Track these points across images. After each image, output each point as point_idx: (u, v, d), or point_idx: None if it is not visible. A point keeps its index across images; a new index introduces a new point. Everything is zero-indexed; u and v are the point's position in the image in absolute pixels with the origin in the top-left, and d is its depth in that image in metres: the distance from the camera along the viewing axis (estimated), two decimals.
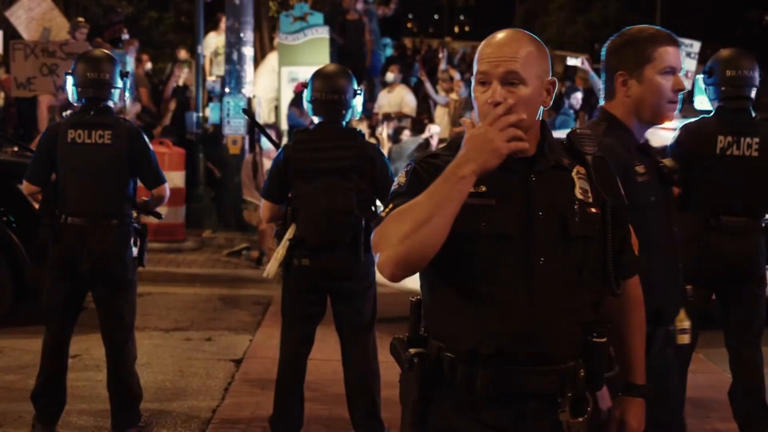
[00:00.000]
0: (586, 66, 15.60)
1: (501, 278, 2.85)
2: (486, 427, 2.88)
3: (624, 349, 3.19)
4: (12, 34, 14.50)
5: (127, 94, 6.30)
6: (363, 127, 13.10)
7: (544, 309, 2.85)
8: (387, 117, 15.03)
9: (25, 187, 6.07)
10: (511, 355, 2.83)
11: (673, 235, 3.83)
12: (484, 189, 2.85)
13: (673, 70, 3.74)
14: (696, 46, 14.65)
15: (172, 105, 15.30)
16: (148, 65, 16.68)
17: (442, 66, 16.49)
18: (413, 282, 8.89)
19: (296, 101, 13.79)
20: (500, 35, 2.95)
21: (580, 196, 2.93)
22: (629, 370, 3.19)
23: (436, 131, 14.10)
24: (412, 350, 2.98)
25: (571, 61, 15.90)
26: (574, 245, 2.89)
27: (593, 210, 2.94)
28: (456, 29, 66.03)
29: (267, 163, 11.68)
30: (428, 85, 15.65)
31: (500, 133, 2.76)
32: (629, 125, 3.78)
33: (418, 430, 2.99)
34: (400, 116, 15.22)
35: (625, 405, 3.17)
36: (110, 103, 6.03)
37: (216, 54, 16.64)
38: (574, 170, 2.96)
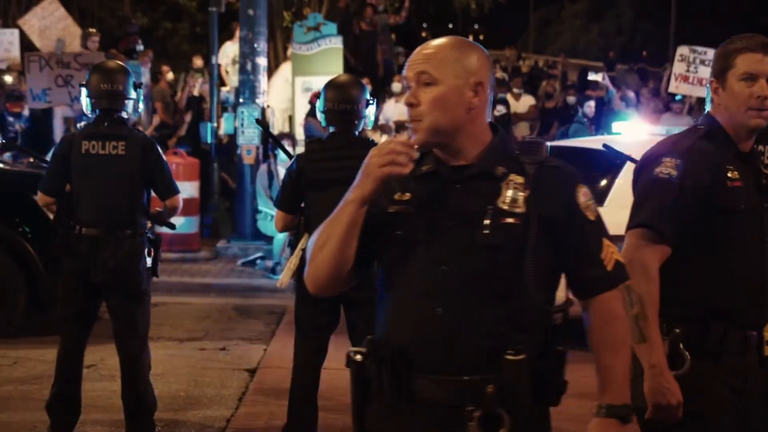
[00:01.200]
0: (606, 81, 15.66)
1: (411, 284, 2.88)
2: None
3: (597, 367, 3.06)
4: (28, 45, 14.58)
5: (141, 105, 6.33)
6: (376, 137, 13.11)
7: (447, 317, 2.84)
8: (400, 126, 15.04)
9: (39, 198, 6.10)
10: (416, 360, 2.84)
11: (763, 244, 3.70)
12: (408, 197, 2.92)
13: (752, 77, 3.64)
14: (710, 53, 14.61)
15: (188, 117, 15.34)
16: (170, 76, 16.73)
17: None
18: None
19: (314, 112, 13.83)
20: (428, 42, 3.00)
21: (502, 206, 2.85)
22: (601, 389, 3.05)
23: None
24: (353, 349, 2.97)
25: (592, 76, 15.94)
26: (481, 255, 2.84)
27: (511, 220, 2.85)
28: (470, 38, 66.10)
29: (281, 172, 11.70)
30: None
31: (377, 158, 2.82)
32: (729, 131, 3.72)
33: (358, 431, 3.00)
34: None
35: (592, 427, 3.06)
36: (124, 115, 6.06)
37: (234, 62, 16.70)
38: (508, 179, 2.89)
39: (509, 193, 2.87)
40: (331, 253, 2.89)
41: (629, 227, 3.62)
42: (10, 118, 13.32)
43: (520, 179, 2.89)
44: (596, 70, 15.92)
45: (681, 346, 3.54)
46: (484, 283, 2.84)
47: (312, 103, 13.90)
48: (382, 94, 16.40)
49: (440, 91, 2.88)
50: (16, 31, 14.56)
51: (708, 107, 6.04)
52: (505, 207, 2.85)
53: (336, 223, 2.88)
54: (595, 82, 15.18)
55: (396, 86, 15.72)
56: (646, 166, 3.71)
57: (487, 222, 2.84)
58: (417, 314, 2.87)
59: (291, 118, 15.01)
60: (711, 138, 3.68)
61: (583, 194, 2.96)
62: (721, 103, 3.74)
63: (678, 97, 15.41)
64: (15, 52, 14.52)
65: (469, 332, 2.83)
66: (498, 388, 2.81)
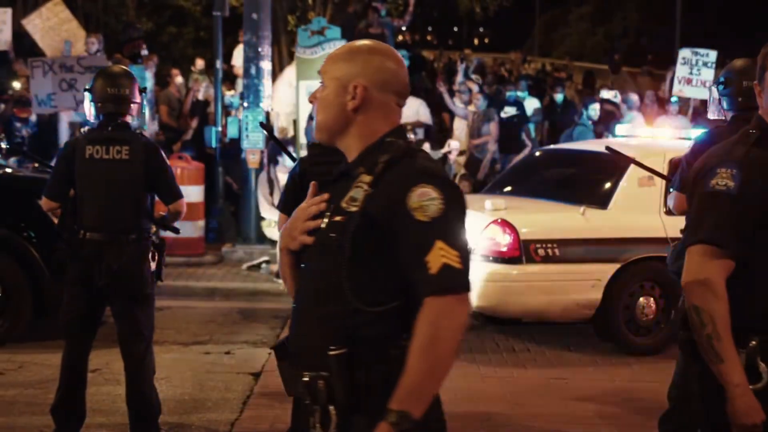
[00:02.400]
0: (618, 99, 15.65)
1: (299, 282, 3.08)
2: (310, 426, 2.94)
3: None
4: (30, 50, 14.60)
5: (146, 111, 6.35)
6: None
7: (297, 314, 3.00)
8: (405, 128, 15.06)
9: (44, 202, 6.12)
10: (294, 357, 2.97)
11: None
12: (327, 197, 3.06)
13: None
14: (712, 55, 14.64)
15: (194, 122, 15.36)
16: (179, 79, 16.75)
17: (459, 78, 16.49)
18: None
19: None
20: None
21: (342, 204, 2.91)
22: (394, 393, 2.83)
23: (455, 146, 14.12)
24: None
25: (606, 94, 15.91)
26: (318, 253, 2.94)
27: (339, 218, 2.91)
28: (476, 41, 66.08)
29: (282, 178, 11.72)
30: (447, 97, 15.66)
31: (283, 238, 3.10)
32: None
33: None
34: (418, 126, 15.23)
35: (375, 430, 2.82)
36: (128, 119, 6.08)
37: None
38: (359, 178, 2.92)
39: (352, 191, 2.92)
40: (291, 287, 3.13)
41: (690, 244, 3.46)
42: (17, 124, 13.35)
43: (368, 178, 2.91)
44: (609, 87, 15.93)
45: (758, 359, 3.39)
46: (320, 281, 2.92)
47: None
48: None
49: (325, 91, 3.02)
50: (8, 11, 14.51)
51: (710, 109, 6.07)
52: (344, 205, 2.92)
53: (283, 265, 3.12)
54: (608, 100, 15.18)
55: None
56: (700, 178, 3.53)
57: (325, 220, 2.95)
58: (294, 310, 3.03)
59: (295, 122, 14.98)
60: (764, 143, 3.58)
61: (419, 194, 2.83)
62: (762, 105, 3.66)
63: (674, 99, 15.41)
64: (7, 32, 14.49)
65: (309, 329, 2.93)
66: (327, 384, 2.86)
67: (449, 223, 2.82)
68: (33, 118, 13.50)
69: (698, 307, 3.29)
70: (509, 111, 15.54)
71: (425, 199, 2.82)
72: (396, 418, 2.75)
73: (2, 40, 14.45)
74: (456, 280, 2.79)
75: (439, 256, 2.78)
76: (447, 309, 2.77)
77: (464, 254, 2.82)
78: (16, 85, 14.33)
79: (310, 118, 14.01)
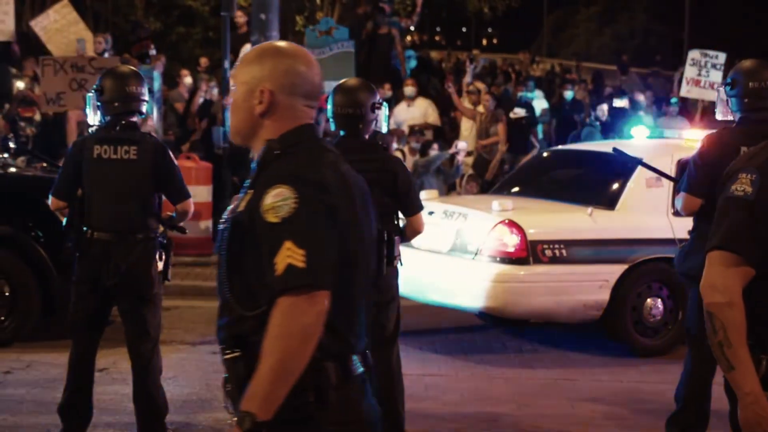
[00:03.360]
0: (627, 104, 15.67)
1: None
2: None
3: None
4: (39, 50, 14.63)
5: (154, 112, 6.36)
6: (394, 142, 13.11)
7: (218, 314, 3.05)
8: (411, 130, 15.04)
9: (51, 202, 6.13)
10: None
11: None
12: None
13: None
14: (721, 57, 14.63)
15: (204, 123, 15.37)
16: (188, 80, 16.77)
17: (468, 79, 16.49)
18: (439, 295, 8.90)
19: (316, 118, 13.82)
20: None
21: (239, 209, 2.94)
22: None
23: (462, 147, 14.11)
24: None
25: (618, 103, 15.91)
26: (220, 257, 2.99)
27: (222, 224, 2.98)
28: (484, 42, 66.04)
29: None
30: (456, 97, 15.65)
31: None
32: None
33: None
34: (426, 127, 15.22)
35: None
36: (136, 119, 6.09)
37: None
38: (249, 183, 2.97)
39: (240, 195, 2.96)
40: None
41: (707, 249, 3.45)
42: (22, 123, 13.39)
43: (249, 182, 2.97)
44: (620, 95, 15.96)
45: None
46: (225, 285, 2.96)
47: (319, 108, 13.90)
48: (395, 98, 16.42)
49: (235, 95, 3.04)
50: (11, 0, 14.54)
51: (718, 110, 6.07)
52: (228, 214, 2.98)
53: None
54: (622, 109, 15.18)
55: (408, 90, 15.72)
56: (725, 182, 3.52)
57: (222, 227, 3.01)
58: None
59: None
60: None
61: (274, 195, 2.82)
62: None
63: (673, 101, 15.42)
64: (9, 23, 14.51)
65: (218, 328, 3.01)
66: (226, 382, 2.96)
67: (301, 223, 2.79)
68: (37, 117, 13.53)
69: (711, 313, 3.29)
70: (519, 112, 15.53)
71: (279, 200, 2.81)
72: (239, 418, 2.77)
73: (5, 30, 14.45)
74: (297, 279, 2.75)
75: (285, 256, 2.76)
76: (288, 309, 2.75)
77: (314, 253, 2.77)
78: (20, 84, 14.35)
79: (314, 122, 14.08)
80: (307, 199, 2.81)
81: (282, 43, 3.11)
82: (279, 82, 2.99)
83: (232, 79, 3.06)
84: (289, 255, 2.76)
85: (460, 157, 13.79)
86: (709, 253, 3.44)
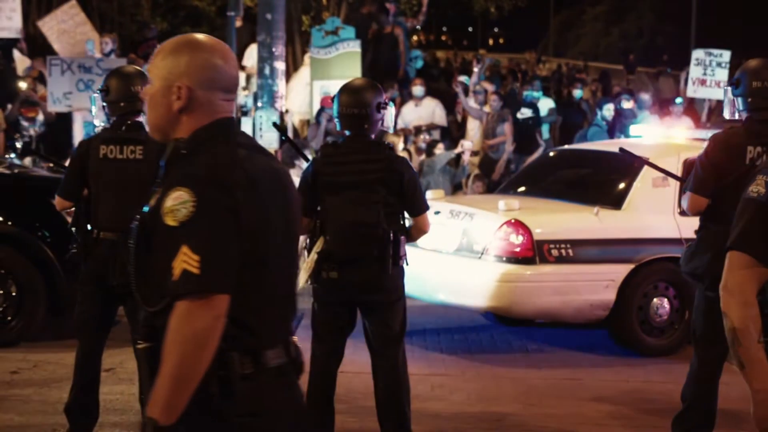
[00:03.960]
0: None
1: None
2: None
3: None
4: (44, 50, 14.66)
5: None
6: (396, 140, 13.10)
7: None
8: (418, 130, 15.03)
9: (57, 202, 6.13)
10: None
11: None
12: None
13: None
14: (726, 55, 14.62)
15: None
16: None
17: (474, 79, 16.47)
18: (445, 294, 8.89)
19: (317, 118, 13.83)
20: None
21: (147, 208, 2.99)
22: None
23: (468, 146, 14.11)
24: None
25: (626, 104, 15.88)
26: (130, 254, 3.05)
27: (136, 223, 3.00)
28: (490, 42, 66.00)
29: (295, 180, 11.72)
30: (463, 97, 15.64)
31: None
32: None
33: None
34: (432, 127, 15.21)
35: None
36: (142, 119, 6.09)
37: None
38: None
39: (156, 194, 2.97)
40: None
41: (725, 249, 3.48)
42: (25, 123, 13.42)
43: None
44: (628, 96, 15.96)
45: None
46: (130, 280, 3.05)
47: (322, 106, 13.94)
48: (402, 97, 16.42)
49: (152, 90, 3.04)
50: None
51: (726, 110, 6.06)
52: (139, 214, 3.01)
53: None
54: (630, 110, 15.16)
55: (416, 90, 15.72)
56: (747, 183, 3.57)
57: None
58: None
59: (309, 123, 15.01)
60: None
61: (174, 198, 2.82)
62: None
63: (678, 101, 15.40)
64: (16, 20, 14.54)
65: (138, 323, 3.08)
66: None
67: (198, 228, 2.79)
68: (40, 117, 13.57)
69: (724, 312, 3.33)
70: (525, 112, 15.53)
71: (177, 203, 2.81)
72: (143, 425, 2.80)
73: (12, 27, 14.49)
74: (191, 285, 2.76)
75: (180, 261, 2.77)
76: (183, 315, 2.77)
77: (209, 258, 2.78)
78: (22, 85, 14.39)
79: (315, 121, 14.10)
80: (206, 202, 2.81)
81: (199, 36, 3.08)
82: (196, 77, 2.98)
83: (149, 73, 3.05)
84: (185, 260, 2.77)
85: (466, 157, 13.79)
86: (726, 253, 3.48)
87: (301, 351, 3.08)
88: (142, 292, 2.94)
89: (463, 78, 16.80)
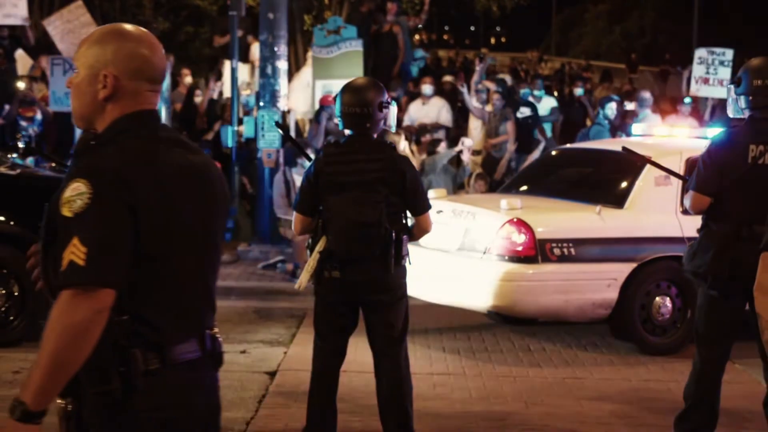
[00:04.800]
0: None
1: None
2: None
3: None
4: (49, 49, 14.67)
5: (163, 111, 6.35)
6: (399, 139, 13.11)
7: None
8: (423, 129, 15.02)
9: None
10: None
11: None
12: None
13: None
14: (729, 54, 14.63)
15: (217, 125, 15.39)
16: (188, 80, 16.79)
17: (476, 78, 16.46)
18: (447, 294, 8.89)
19: (318, 117, 13.82)
20: None
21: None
22: None
23: (468, 144, 14.10)
24: None
25: (629, 106, 15.88)
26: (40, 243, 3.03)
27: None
28: (492, 41, 66.02)
29: (298, 180, 11.71)
30: (467, 96, 15.63)
31: None
32: None
33: None
34: (437, 127, 15.20)
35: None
36: None
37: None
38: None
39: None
40: None
41: (759, 251, 3.51)
42: (23, 123, 13.44)
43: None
44: (629, 98, 16.00)
45: None
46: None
47: (322, 104, 13.94)
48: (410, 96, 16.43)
49: (78, 78, 3.03)
50: None
51: (729, 108, 6.05)
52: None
53: None
54: (633, 112, 15.17)
55: (425, 88, 15.71)
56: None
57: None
58: None
59: (311, 122, 15.01)
60: None
61: (72, 189, 2.83)
62: None
63: (687, 100, 15.40)
64: (22, 7, 14.54)
65: None
66: None
67: (90, 220, 2.80)
68: (38, 116, 13.58)
69: (758, 313, 3.34)
70: (524, 111, 15.54)
71: (74, 194, 2.82)
72: (12, 407, 2.79)
73: (18, 15, 14.50)
74: (75, 276, 2.77)
75: (69, 252, 2.78)
76: (63, 305, 2.78)
77: (97, 251, 2.78)
78: (20, 85, 14.40)
79: (315, 119, 14.10)
80: (102, 195, 2.81)
81: (125, 26, 3.08)
82: (122, 66, 2.98)
83: (75, 62, 3.05)
84: (73, 251, 2.77)
85: (466, 156, 13.78)
86: (761, 255, 3.51)
87: (220, 344, 3.10)
88: (50, 283, 2.93)
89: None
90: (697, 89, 14.94)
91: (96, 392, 2.88)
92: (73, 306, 2.76)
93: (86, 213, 2.79)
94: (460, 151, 13.81)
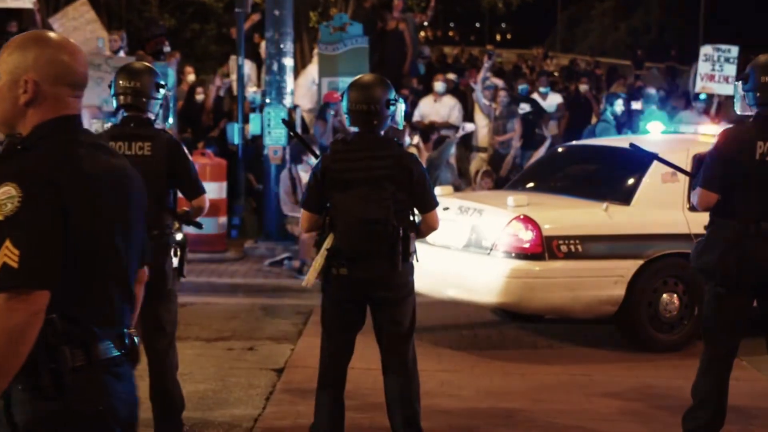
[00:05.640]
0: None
1: None
2: None
3: None
4: None
5: (170, 108, 6.35)
6: (405, 136, 13.10)
7: None
8: (432, 127, 15.01)
9: None
10: None
11: None
12: None
13: None
14: (734, 50, 14.62)
15: (222, 122, 15.39)
16: (191, 77, 16.80)
17: (483, 74, 16.44)
18: (454, 290, 8.87)
19: (323, 114, 13.82)
20: None
21: None
22: None
23: (469, 128, 14.10)
24: None
25: (636, 105, 15.87)
26: None
27: None
28: (498, 37, 65.90)
29: (304, 177, 11.71)
30: (479, 93, 15.60)
31: None
32: None
33: None
34: (446, 126, 15.19)
35: None
36: (150, 115, 6.10)
37: None
38: None
39: None
40: None
41: None
42: None
43: None
44: (635, 96, 16.00)
45: None
46: None
47: (325, 101, 13.94)
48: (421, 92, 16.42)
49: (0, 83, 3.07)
50: None
51: (737, 105, 6.04)
52: None
53: None
54: (639, 110, 15.17)
55: (438, 85, 15.70)
56: None
57: None
58: None
59: (316, 119, 14.99)
60: None
61: (2, 192, 2.87)
62: None
63: (702, 97, 15.37)
64: None
65: None
66: None
67: (21, 222, 2.84)
68: None
69: None
70: (524, 107, 15.54)
71: (5, 198, 2.86)
72: None
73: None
74: (9, 279, 2.80)
75: (2, 255, 2.81)
76: None
77: (30, 253, 2.82)
78: None
79: (318, 117, 14.09)
80: (32, 198, 2.86)
81: (46, 33, 3.16)
82: (43, 71, 3.04)
83: None
84: (6, 254, 2.81)
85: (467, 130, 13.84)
86: None
87: (138, 343, 3.20)
88: None
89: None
90: (703, 86, 14.93)
91: (25, 388, 2.94)
92: (9, 310, 2.80)
93: (17, 216, 2.84)
94: (463, 136, 13.83)
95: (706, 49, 14.96)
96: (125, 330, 3.15)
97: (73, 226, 2.91)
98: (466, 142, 15.46)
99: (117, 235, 3.08)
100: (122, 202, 3.11)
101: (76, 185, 2.94)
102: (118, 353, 3.09)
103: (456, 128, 15.27)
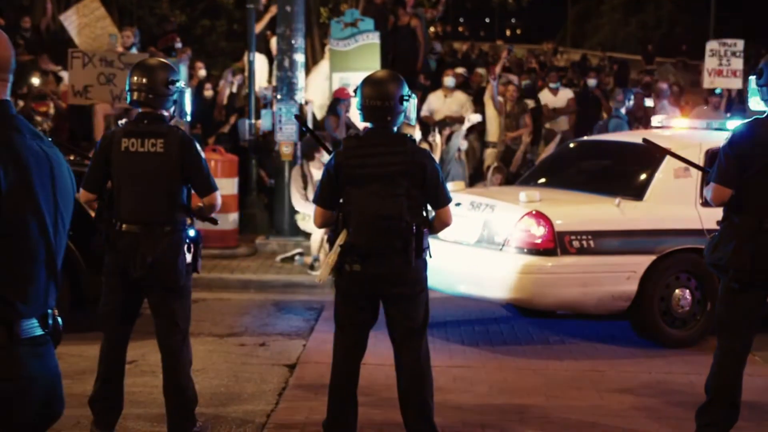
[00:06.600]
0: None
1: None
2: None
3: None
4: (69, 41, 14.73)
5: (188, 103, 6.36)
6: (414, 132, 13.09)
7: None
8: (443, 123, 15.00)
9: (81, 195, 6.15)
10: None
11: None
12: None
13: None
14: (740, 44, 14.62)
15: (233, 118, 15.41)
16: (201, 72, 16.82)
17: (499, 70, 16.41)
18: (466, 286, 8.86)
19: (334, 110, 13.82)
20: None
21: None
22: None
23: (475, 119, 14.09)
24: None
25: (649, 102, 15.85)
26: None
27: None
28: (507, 32, 65.86)
29: (315, 173, 11.71)
30: (495, 89, 15.59)
31: None
32: None
33: None
34: (453, 120, 15.18)
35: None
36: (164, 112, 6.10)
37: None
38: None
39: None
40: None
41: None
42: (38, 118, 13.49)
43: None
44: (648, 93, 16.00)
45: None
46: None
47: (335, 96, 13.94)
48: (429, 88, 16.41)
49: None
50: None
51: (750, 100, 6.02)
52: None
53: None
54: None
55: (447, 80, 15.68)
56: None
57: None
58: None
59: (327, 115, 14.99)
60: None
61: None
62: None
63: (718, 91, 15.35)
64: None
65: None
66: None
67: None
68: (51, 111, 13.63)
69: None
70: (529, 102, 15.55)
71: None
72: None
73: None
74: None
75: None
76: None
77: None
78: (34, 81, 14.45)
79: (330, 113, 14.09)
80: None
81: None
82: None
83: None
84: None
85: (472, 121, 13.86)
86: None
87: (60, 323, 3.30)
88: None
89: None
90: (712, 81, 14.91)
91: None
92: None
93: None
94: (468, 127, 13.84)
95: (712, 45, 14.95)
96: (50, 310, 3.23)
97: (4, 204, 3.00)
98: (479, 137, 15.45)
99: (39, 215, 3.15)
100: (50, 185, 3.20)
101: (8, 165, 3.04)
102: (42, 332, 3.19)
103: (462, 120, 15.28)
